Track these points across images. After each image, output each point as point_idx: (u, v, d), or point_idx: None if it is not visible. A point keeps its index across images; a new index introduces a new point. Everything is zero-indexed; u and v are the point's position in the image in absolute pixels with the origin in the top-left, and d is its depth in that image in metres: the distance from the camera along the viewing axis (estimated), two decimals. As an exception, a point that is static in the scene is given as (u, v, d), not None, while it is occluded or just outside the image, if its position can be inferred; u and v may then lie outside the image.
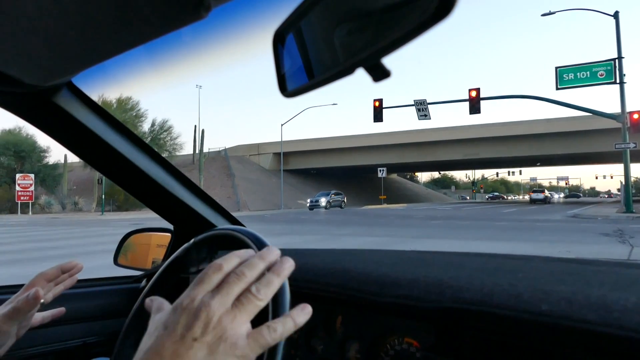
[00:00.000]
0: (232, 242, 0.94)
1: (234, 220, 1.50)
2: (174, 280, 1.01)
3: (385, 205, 41.94)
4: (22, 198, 33.85)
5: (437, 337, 0.84)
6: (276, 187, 42.80)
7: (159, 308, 0.63)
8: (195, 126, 49.47)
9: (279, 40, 0.60)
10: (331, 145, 50.73)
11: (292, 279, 0.70)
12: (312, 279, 1.01)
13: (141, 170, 1.28)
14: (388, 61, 0.47)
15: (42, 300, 0.96)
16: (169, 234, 1.57)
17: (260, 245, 0.80)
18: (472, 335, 0.78)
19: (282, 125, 43.69)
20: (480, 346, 0.77)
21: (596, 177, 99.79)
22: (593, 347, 0.63)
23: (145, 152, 1.30)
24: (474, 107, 24.31)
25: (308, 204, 37.47)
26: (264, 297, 0.59)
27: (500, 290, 0.76)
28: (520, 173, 78.52)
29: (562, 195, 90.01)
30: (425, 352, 0.86)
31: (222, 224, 1.46)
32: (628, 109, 22.00)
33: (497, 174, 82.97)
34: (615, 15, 22.37)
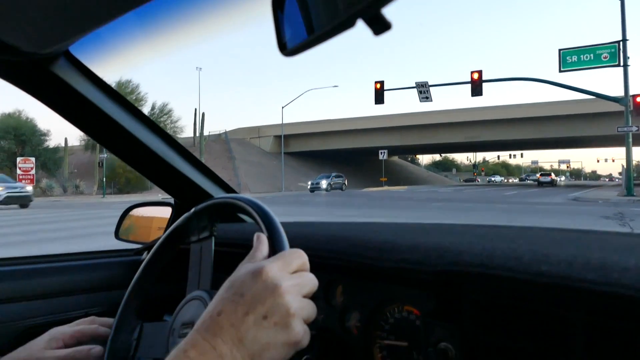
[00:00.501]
0: (232, 212, 0.94)
1: (233, 192, 1.48)
2: (174, 250, 1.01)
3: (386, 188, 41.92)
4: (23, 181, 33.85)
5: (437, 303, 0.83)
6: (277, 170, 42.79)
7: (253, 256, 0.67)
8: (196, 109, 49.32)
9: None
10: (332, 127, 50.61)
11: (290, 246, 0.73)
12: (313, 246, 0.98)
13: (141, 142, 1.28)
14: (389, 14, 0.45)
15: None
16: (169, 208, 1.57)
17: (261, 213, 0.80)
18: (473, 299, 0.77)
19: (282, 107, 43.55)
20: (481, 310, 0.76)
21: (597, 161, 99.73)
22: (593, 307, 0.63)
23: (145, 124, 1.30)
24: (476, 90, 24.16)
25: (309, 186, 37.48)
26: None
27: (500, 254, 0.76)
28: (522, 156, 78.43)
29: (562, 178, 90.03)
30: (425, 319, 0.85)
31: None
32: (632, 92, 21.90)
33: (499, 156, 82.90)
34: (620, -4, 22.11)
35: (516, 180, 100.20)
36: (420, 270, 0.83)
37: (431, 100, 26.05)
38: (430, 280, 0.82)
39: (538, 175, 60.94)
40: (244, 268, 0.63)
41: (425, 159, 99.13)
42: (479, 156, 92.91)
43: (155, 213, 1.66)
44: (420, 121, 47.72)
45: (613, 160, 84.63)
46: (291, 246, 0.72)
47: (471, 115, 45.89)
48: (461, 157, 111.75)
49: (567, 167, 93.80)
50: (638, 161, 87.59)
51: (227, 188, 1.53)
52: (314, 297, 0.70)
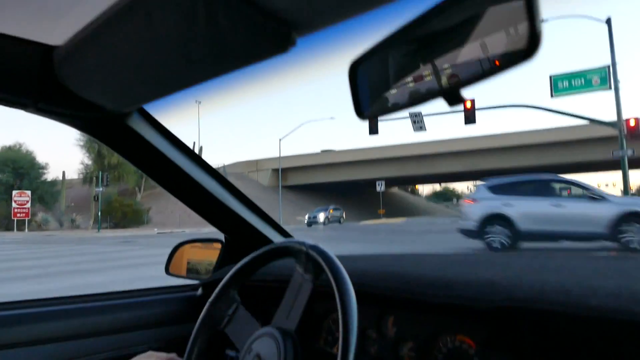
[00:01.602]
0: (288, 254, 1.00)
1: (283, 232, 1.61)
2: (237, 288, 1.06)
3: (384, 220, 41.52)
4: (18, 215, 33.75)
5: (490, 334, 0.86)
6: (275, 204, 42.59)
7: None
8: (194, 142, 49.36)
9: (354, 69, 0.67)
10: (330, 159, 50.59)
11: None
12: (369, 282, 1.03)
13: (199, 185, 1.39)
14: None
15: None
16: (218, 244, 1.64)
17: (330, 264, 0.84)
18: (527, 331, 0.80)
19: (280, 140, 43.64)
20: (535, 341, 0.79)
21: (599, 186, 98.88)
22: None
23: (203, 169, 1.42)
24: (469, 118, 24.11)
25: (306, 220, 37.14)
26: None
27: (550, 288, 0.78)
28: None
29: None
30: (481, 349, 0.88)
31: (271, 235, 1.57)
32: (626, 115, 21.86)
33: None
34: (608, 22, 22.24)
35: None
36: (475, 307, 0.85)
37: (425, 130, 26.02)
38: (484, 315, 0.84)
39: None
40: None
41: (425, 189, 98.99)
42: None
43: (204, 250, 1.73)
44: (417, 152, 47.72)
45: (614, 185, 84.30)
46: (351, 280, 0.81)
47: (469, 144, 45.93)
48: (462, 187, 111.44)
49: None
50: (636, 184, 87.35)
51: (276, 227, 1.62)
52: (364, 327, 0.84)
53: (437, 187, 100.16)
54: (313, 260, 0.89)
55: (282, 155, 45.96)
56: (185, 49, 0.73)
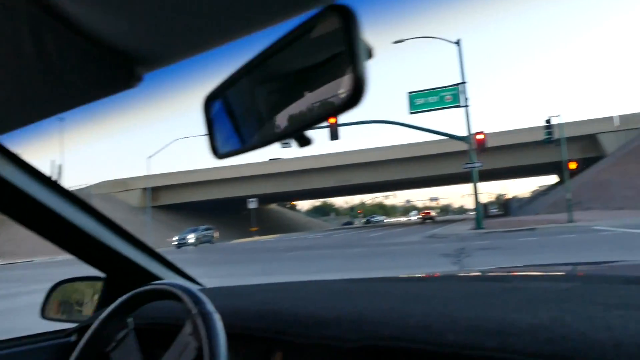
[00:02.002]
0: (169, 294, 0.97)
1: (167, 264, 1.54)
2: (114, 330, 1.03)
3: (256, 238, 40.61)
4: None
5: None
6: (145, 226, 39.94)
7: None
8: (53, 161, 44.89)
9: (208, 105, 0.67)
10: (204, 177, 48.79)
11: (225, 323, 0.85)
12: (242, 324, 1.04)
13: (63, 218, 1.28)
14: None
15: None
16: (100, 282, 1.52)
17: (195, 299, 0.86)
18: None
19: (149, 158, 41.15)
20: None
21: (462, 196, 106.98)
22: None
23: (67, 199, 1.31)
24: (333, 134, 24.21)
25: (175, 242, 35.16)
26: None
27: (414, 323, 0.81)
28: (395, 196, 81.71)
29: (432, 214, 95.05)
30: None
31: (154, 269, 1.48)
32: (486, 130, 23.11)
33: (374, 198, 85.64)
34: (458, 43, 23.51)
35: (398, 219, 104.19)
36: (342, 347, 0.87)
37: (291, 146, 25.60)
38: (353, 354, 0.85)
39: (422, 213, 68.03)
40: None
41: (305, 204, 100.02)
42: (358, 199, 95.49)
43: (85, 289, 1.60)
44: (292, 167, 47.65)
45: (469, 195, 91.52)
46: (224, 321, 0.84)
47: (341, 160, 46.74)
48: (340, 201, 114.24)
49: (437, 204, 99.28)
50: (498, 194, 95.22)
51: (160, 260, 1.53)
52: None
53: (316, 202, 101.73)
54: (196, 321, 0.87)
55: (154, 173, 43.43)
56: (22, 85, 0.69)
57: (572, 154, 41.30)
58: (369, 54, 0.51)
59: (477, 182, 22.89)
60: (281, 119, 0.55)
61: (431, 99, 23.38)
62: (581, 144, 40.97)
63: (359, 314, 0.91)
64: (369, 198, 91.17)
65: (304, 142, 0.55)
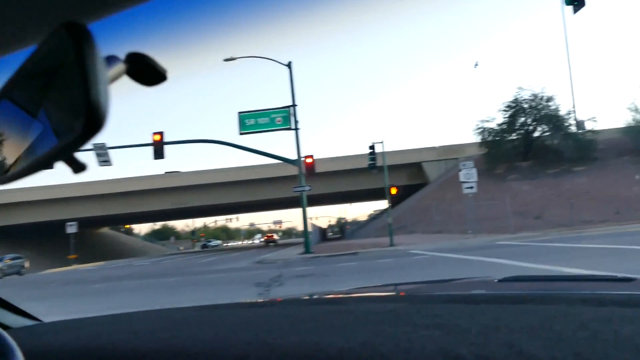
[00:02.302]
0: None
1: None
2: None
3: (74, 267, 36.37)
4: None
5: None
6: None
7: None
8: None
9: None
10: (16, 198, 42.92)
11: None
12: None
13: None
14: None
15: None
16: None
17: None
18: None
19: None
20: None
21: (312, 219, 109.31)
22: None
23: None
24: (158, 152, 22.54)
25: (-29, 273, 30.06)
26: None
27: (234, 353, 0.82)
28: (238, 219, 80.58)
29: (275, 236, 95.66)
30: None
31: None
32: (324, 155, 23.05)
33: (216, 221, 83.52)
34: (289, 65, 23.42)
35: (241, 243, 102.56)
36: None
37: (111, 164, 23.40)
38: None
39: (265, 236, 68.42)
40: None
41: (145, 228, 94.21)
42: (201, 222, 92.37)
43: None
44: (123, 188, 44.14)
45: (317, 218, 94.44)
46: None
47: (177, 181, 44.44)
48: (181, 224, 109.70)
49: (279, 227, 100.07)
50: (339, 218, 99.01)
51: None
52: None
53: (156, 225, 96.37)
54: None
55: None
56: None
57: (401, 180, 44.11)
58: (158, 78, 0.51)
59: (306, 206, 22.77)
60: (38, 147, 0.52)
61: (261, 120, 22.91)
62: (409, 171, 43.88)
63: (181, 346, 0.91)
64: (211, 221, 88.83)
65: (77, 167, 0.51)
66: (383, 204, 58.89)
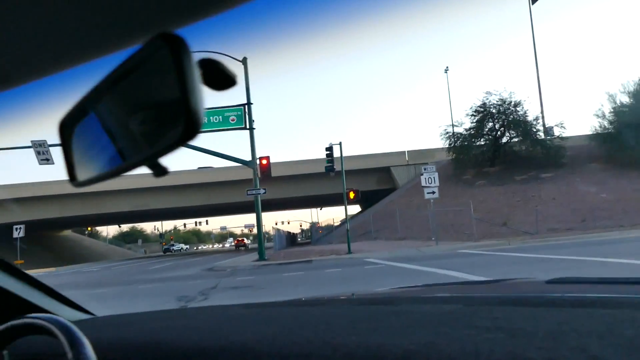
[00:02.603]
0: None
1: (50, 292, 1.41)
2: None
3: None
4: None
5: None
6: None
7: None
8: None
9: (65, 129, 0.63)
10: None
11: (108, 357, 0.88)
12: (124, 357, 1.02)
13: None
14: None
15: None
16: None
17: (71, 338, 0.77)
18: None
19: None
20: None
21: (276, 223, 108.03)
22: None
23: None
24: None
25: None
26: None
27: (297, 352, 0.82)
28: (207, 223, 78.64)
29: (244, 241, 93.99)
30: None
31: (34, 298, 1.34)
32: (293, 158, 21.81)
33: (185, 224, 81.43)
34: (244, 62, 22.16)
35: (212, 247, 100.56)
36: None
37: (53, 163, 21.88)
38: None
39: (236, 240, 68.46)
40: None
41: (111, 230, 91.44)
42: (171, 224, 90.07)
43: None
44: (79, 189, 42.16)
45: (289, 222, 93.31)
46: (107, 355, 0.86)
47: (136, 183, 42.68)
48: (150, 227, 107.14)
49: (250, 230, 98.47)
50: (312, 222, 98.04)
51: (40, 286, 1.38)
52: None
53: (124, 228, 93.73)
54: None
55: None
56: None
57: (370, 184, 43.16)
58: (229, 82, 0.51)
59: (260, 210, 21.52)
60: (127, 149, 0.55)
61: (214, 119, 21.56)
62: (378, 175, 42.97)
63: (242, 344, 0.91)
64: (181, 224, 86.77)
65: (160, 171, 0.53)
66: (356, 208, 58.07)
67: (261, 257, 20.84)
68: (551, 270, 10.03)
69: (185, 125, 0.46)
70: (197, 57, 0.48)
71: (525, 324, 0.78)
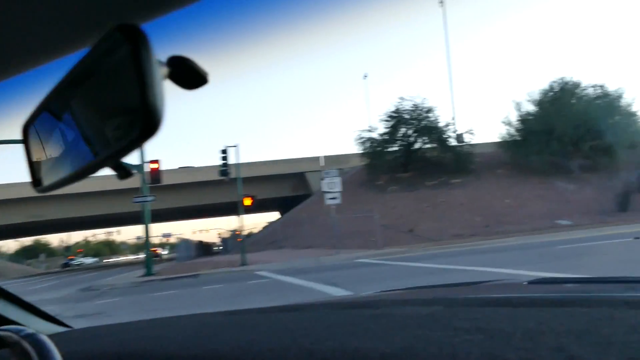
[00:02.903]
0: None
1: (24, 305, 1.38)
2: None
3: None
4: None
5: None
6: None
7: None
8: None
9: (28, 132, 0.61)
10: None
11: None
12: None
13: None
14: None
15: None
16: None
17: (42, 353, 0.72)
18: None
19: None
20: None
21: (194, 232, 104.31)
22: None
23: None
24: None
25: None
26: None
27: (271, 358, 0.82)
28: (119, 233, 74.39)
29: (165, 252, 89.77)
30: None
31: (8, 312, 1.30)
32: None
33: (95, 235, 76.55)
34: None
35: (123, 258, 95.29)
36: None
37: None
38: None
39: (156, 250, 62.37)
40: None
41: (13, 244, 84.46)
42: (81, 235, 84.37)
43: None
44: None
45: (208, 231, 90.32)
46: None
47: (29, 191, 38.83)
48: (57, 240, 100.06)
49: (167, 240, 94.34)
50: (233, 230, 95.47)
51: (14, 299, 1.34)
52: None
53: (26, 241, 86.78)
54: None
55: None
56: None
57: (285, 190, 41.97)
58: (199, 81, 0.49)
59: (149, 219, 19.60)
60: (88, 150, 0.52)
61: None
62: (293, 181, 41.82)
63: (217, 352, 0.90)
64: (91, 235, 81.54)
65: (123, 173, 0.51)
66: (275, 216, 56.63)
67: (148, 272, 18.90)
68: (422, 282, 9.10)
69: (143, 123, 0.43)
70: (165, 54, 0.46)
71: (505, 324, 0.77)
